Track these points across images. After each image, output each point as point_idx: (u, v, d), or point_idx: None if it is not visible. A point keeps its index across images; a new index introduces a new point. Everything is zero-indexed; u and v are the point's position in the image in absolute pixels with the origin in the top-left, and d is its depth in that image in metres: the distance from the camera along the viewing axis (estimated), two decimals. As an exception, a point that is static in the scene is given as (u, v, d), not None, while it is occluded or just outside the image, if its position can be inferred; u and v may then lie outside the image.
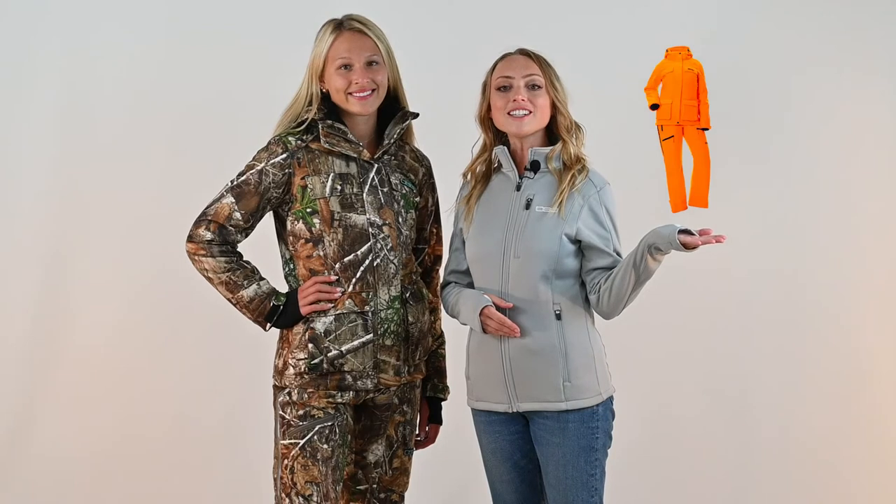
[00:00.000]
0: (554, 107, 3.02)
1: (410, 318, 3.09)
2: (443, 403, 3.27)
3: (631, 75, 4.58)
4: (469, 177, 3.13)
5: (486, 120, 3.09)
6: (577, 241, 2.97)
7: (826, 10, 4.64)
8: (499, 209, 3.03)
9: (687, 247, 2.79)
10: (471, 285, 3.08)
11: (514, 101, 2.98)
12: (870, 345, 4.65)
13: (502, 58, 3.06)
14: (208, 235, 3.04)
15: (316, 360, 3.02)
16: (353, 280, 3.03)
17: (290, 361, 3.06)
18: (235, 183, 3.05)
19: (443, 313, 3.22)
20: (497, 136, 3.09)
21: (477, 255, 3.05)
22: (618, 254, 2.99)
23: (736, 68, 4.62)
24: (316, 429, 3.03)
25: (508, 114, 2.99)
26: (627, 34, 4.62)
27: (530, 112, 2.99)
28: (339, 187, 3.04)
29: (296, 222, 3.06)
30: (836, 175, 4.67)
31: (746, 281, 4.65)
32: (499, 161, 3.07)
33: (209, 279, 3.07)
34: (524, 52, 3.05)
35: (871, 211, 4.67)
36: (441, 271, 3.26)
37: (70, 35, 4.58)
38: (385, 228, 3.06)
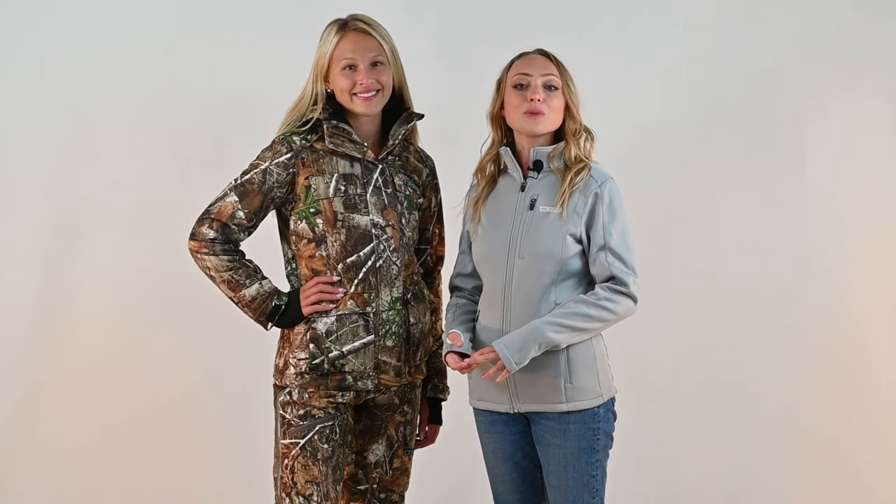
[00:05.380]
0: (567, 109, 3.00)
1: (412, 320, 3.09)
2: (443, 403, 3.26)
3: (637, 77, 4.64)
4: (479, 177, 3.11)
5: (497, 118, 3.06)
6: (581, 241, 2.96)
7: (825, 16, 4.66)
8: (505, 210, 3.02)
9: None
10: (477, 288, 3.08)
11: (532, 100, 2.96)
12: (871, 347, 4.65)
13: (519, 56, 3.03)
14: (211, 234, 3.03)
15: (317, 361, 3.02)
16: (356, 281, 3.03)
17: (290, 361, 3.06)
18: (239, 182, 3.05)
19: (444, 314, 3.22)
20: (506, 135, 3.07)
21: (483, 255, 3.04)
22: (616, 255, 2.96)
23: (734, 75, 4.63)
24: (316, 428, 3.02)
25: (524, 113, 2.97)
26: (632, 40, 4.63)
27: (544, 113, 2.97)
28: (342, 188, 3.03)
29: (299, 222, 3.06)
30: (836, 177, 4.68)
31: (749, 284, 4.64)
32: (505, 162, 3.06)
33: (211, 277, 3.07)
34: (543, 53, 3.02)
35: (870, 212, 4.68)
36: (443, 272, 3.26)
37: (69, 34, 4.56)
38: (388, 229, 3.05)
